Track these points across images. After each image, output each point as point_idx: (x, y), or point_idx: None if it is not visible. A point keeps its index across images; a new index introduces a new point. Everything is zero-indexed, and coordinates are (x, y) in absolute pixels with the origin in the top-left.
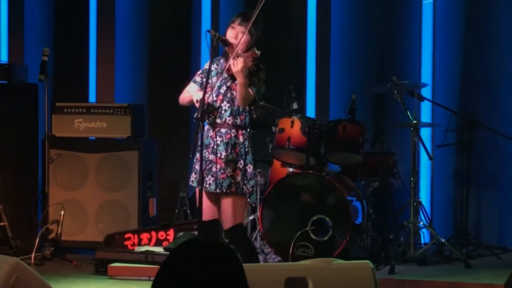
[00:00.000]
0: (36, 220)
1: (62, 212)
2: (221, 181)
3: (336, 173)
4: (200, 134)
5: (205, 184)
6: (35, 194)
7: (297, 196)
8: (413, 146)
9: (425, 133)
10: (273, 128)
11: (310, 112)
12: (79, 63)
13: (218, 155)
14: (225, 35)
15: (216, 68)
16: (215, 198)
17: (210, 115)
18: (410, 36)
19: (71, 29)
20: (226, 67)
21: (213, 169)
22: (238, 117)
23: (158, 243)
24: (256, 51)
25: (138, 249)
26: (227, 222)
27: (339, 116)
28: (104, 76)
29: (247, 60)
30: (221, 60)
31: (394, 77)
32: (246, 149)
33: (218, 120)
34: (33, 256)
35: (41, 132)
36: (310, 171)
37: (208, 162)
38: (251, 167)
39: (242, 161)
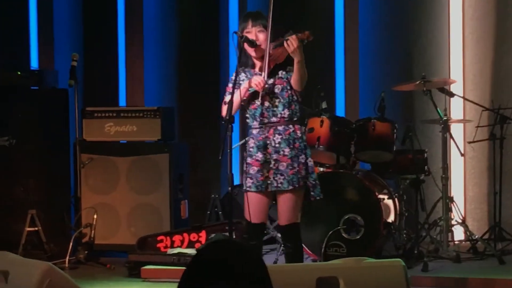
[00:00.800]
0: (69, 224)
1: (95, 216)
2: (291, 177)
3: (367, 172)
4: (228, 137)
5: (276, 184)
6: (67, 199)
7: (329, 195)
8: (443, 143)
9: (457, 130)
10: (303, 128)
11: (340, 111)
12: (109, 67)
13: (281, 152)
14: None
15: (245, 76)
16: (269, 198)
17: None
18: (438, 32)
19: (100, 33)
20: (265, 68)
21: (280, 167)
22: (290, 109)
23: (191, 245)
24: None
25: (170, 251)
26: (286, 218)
27: (369, 114)
28: (134, 79)
29: (300, 36)
30: (247, 70)
31: (423, 73)
32: (305, 143)
33: (273, 119)
34: (67, 260)
35: (72, 137)
36: (341, 170)
37: (273, 162)
38: (311, 160)
39: (303, 155)
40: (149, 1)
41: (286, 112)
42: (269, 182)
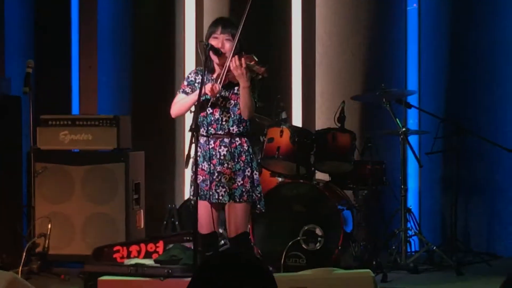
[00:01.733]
0: (21, 234)
1: (49, 226)
2: (233, 191)
3: (326, 182)
4: (194, 145)
5: (218, 196)
6: (20, 208)
7: (288, 206)
8: (402, 154)
9: (412, 141)
10: (262, 138)
11: (296, 121)
12: (61, 75)
13: (226, 165)
14: None
15: (205, 81)
16: (217, 208)
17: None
18: (395, 43)
19: (52, 41)
20: (222, 77)
21: (223, 180)
22: (240, 125)
23: (148, 255)
24: (253, 56)
25: (127, 261)
26: (234, 229)
27: (326, 124)
28: (87, 88)
29: (249, 58)
30: (210, 76)
31: (383, 84)
32: (251, 156)
33: (220, 131)
34: (20, 270)
35: (25, 145)
36: (301, 181)
37: (216, 174)
38: (257, 173)
39: (249, 169)
40: (104, 9)
41: (235, 129)
42: (211, 193)
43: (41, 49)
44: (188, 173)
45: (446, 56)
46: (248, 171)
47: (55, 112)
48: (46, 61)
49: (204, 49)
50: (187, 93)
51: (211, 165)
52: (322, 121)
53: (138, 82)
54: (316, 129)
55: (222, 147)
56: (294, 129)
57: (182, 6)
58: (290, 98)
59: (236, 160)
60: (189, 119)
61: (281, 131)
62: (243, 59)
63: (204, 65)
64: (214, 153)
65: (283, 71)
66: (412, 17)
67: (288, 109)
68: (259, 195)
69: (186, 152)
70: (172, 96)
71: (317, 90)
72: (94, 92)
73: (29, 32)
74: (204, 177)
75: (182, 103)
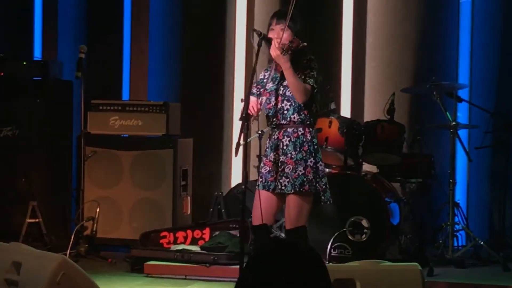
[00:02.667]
0: (70, 217)
1: (97, 210)
2: (294, 180)
3: (374, 174)
4: (243, 134)
5: (281, 186)
6: (69, 191)
7: (335, 197)
8: (451, 147)
9: (462, 135)
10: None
11: (345, 112)
12: (113, 61)
13: (289, 155)
14: None
15: (269, 74)
16: (280, 198)
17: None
18: (447, 36)
19: (105, 26)
20: (273, 66)
21: (286, 170)
22: (302, 113)
23: (194, 241)
24: (299, 41)
25: (174, 247)
26: (289, 222)
27: (374, 116)
28: (138, 74)
29: (284, 41)
30: (268, 68)
31: (434, 77)
32: (315, 147)
33: (283, 121)
34: (67, 253)
35: (76, 129)
36: (348, 172)
37: (280, 164)
38: (322, 164)
39: (312, 159)
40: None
41: (296, 116)
42: (275, 184)
43: (94, 35)
44: (235, 161)
45: (498, 50)
46: (311, 161)
47: (106, 97)
48: (98, 46)
49: (257, 37)
50: (253, 94)
51: (277, 155)
52: (371, 113)
53: (188, 69)
54: (365, 120)
55: (285, 137)
56: (342, 120)
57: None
58: (339, 89)
59: (298, 149)
60: (237, 107)
61: (330, 122)
62: (275, 41)
63: (256, 54)
64: (279, 143)
65: (332, 61)
66: (465, 10)
67: (337, 99)
68: (323, 186)
69: (236, 140)
70: (222, 83)
71: (366, 81)
72: (144, 78)
73: (82, 17)
74: (270, 168)
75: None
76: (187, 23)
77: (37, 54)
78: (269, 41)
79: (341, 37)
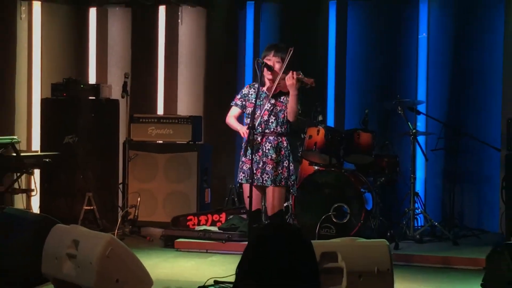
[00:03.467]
0: (117, 205)
1: (139, 199)
2: (274, 177)
3: (352, 171)
4: (250, 141)
5: (262, 181)
6: (117, 185)
7: (322, 188)
8: (413, 150)
9: (420, 140)
10: (302, 135)
11: (330, 122)
12: (150, 84)
13: (269, 157)
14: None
15: (254, 92)
16: (261, 190)
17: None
18: (409, 63)
19: (144, 57)
20: (273, 88)
21: (267, 168)
22: (282, 127)
23: (213, 223)
24: (300, 72)
25: (198, 228)
26: (272, 208)
27: (353, 126)
28: (169, 93)
29: (297, 74)
30: (256, 85)
31: (398, 95)
32: (289, 151)
33: (266, 130)
34: (115, 233)
35: (122, 137)
36: (332, 169)
37: (262, 163)
38: (293, 165)
39: (286, 161)
40: (184, 34)
41: (278, 129)
42: (256, 178)
43: (135, 64)
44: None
45: (449, 73)
46: (286, 163)
47: (145, 112)
48: (139, 73)
49: (260, 66)
50: (237, 105)
51: (257, 156)
52: (350, 123)
53: (208, 90)
54: (345, 129)
55: (267, 143)
56: (328, 129)
57: (244, 32)
58: (325, 105)
59: (277, 153)
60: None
61: (318, 130)
62: (295, 73)
63: (260, 78)
64: (260, 147)
65: (320, 84)
66: (422, 44)
67: (324, 113)
68: (293, 182)
69: (244, 145)
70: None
71: (346, 99)
72: (174, 98)
73: (126, 49)
74: (249, 165)
75: (231, 124)
76: (208, 55)
77: (92, 79)
78: (269, 68)
79: (327, 65)
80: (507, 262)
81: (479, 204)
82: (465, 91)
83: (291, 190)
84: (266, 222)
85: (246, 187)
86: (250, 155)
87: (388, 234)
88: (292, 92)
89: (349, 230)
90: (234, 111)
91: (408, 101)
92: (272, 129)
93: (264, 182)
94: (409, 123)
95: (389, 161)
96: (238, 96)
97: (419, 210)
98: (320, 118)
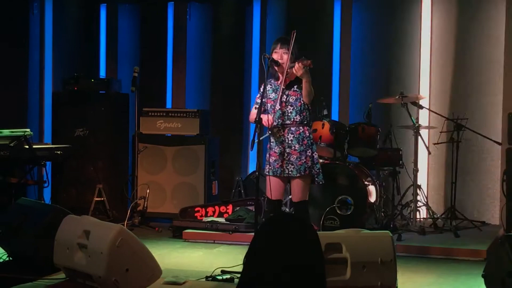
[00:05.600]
0: (127, 196)
1: (148, 191)
2: (299, 167)
3: (356, 164)
4: (257, 133)
5: (288, 171)
6: (126, 177)
7: (326, 181)
8: (415, 143)
9: (423, 133)
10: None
11: (334, 116)
12: (159, 78)
13: (293, 147)
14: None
15: (271, 87)
16: (286, 181)
17: (275, 131)
18: (412, 59)
19: (153, 52)
20: (283, 80)
21: (291, 159)
22: (301, 114)
23: (220, 215)
24: (303, 57)
25: (205, 219)
26: (297, 197)
27: (357, 120)
28: (178, 88)
29: (303, 61)
30: (273, 81)
31: (401, 90)
32: (311, 141)
33: (287, 121)
34: (125, 223)
35: (131, 130)
36: (337, 162)
37: (286, 155)
38: (316, 154)
39: (310, 150)
40: (192, 30)
41: (298, 117)
42: (282, 169)
43: (145, 59)
44: (251, 153)
45: (450, 70)
46: (309, 152)
47: (154, 105)
48: (148, 67)
49: (266, 61)
50: (257, 104)
51: (282, 148)
52: (354, 117)
53: (216, 84)
54: (350, 123)
55: (290, 134)
56: (332, 123)
57: (250, 28)
58: (330, 99)
59: (300, 143)
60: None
61: (323, 124)
62: (301, 63)
63: (267, 74)
64: (284, 139)
65: (325, 79)
66: (425, 39)
67: (329, 107)
68: (318, 171)
69: (251, 138)
70: (240, 95)
71: (350, 93)
72: (183, 91)
73: (136, 45)
74: (276, 158)
75: (252, 114)
76: (216, 50)
77: (102, 73)
78: (276, 63)
79: (332, 60)
80: (507, 253)
81: (480, 197)
82: (467, 86)
83: (316, 179)
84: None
85: (271, 180)
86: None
87: (391, 225)
88: (305, 79)
89: (353, 221)
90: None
91: (411, 96)
92: (292, 119)
93: (290, 173)
94: (412, 117)
95: (393, 154)
96: (258, 95)
97: (422, 202)
98: (325, 112)
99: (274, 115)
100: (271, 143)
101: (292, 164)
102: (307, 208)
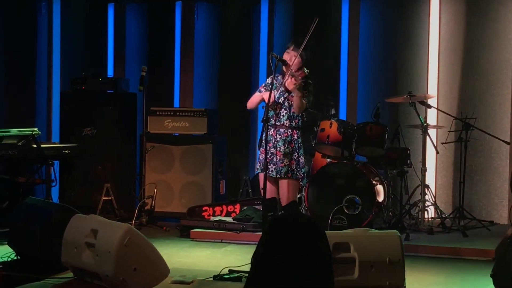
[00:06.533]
0: (135, 195)
1: (155, 190)
2: (280, 168)
3: (364, 163)
4: (265, 133)
5: (268, 171)
6: (134, 176)
7: (334, 180)
8: (423, 143)
9: (431, 133)
10: (315, 128)
11: (342, 115)
12: (167, 78)
13: (278, 149)
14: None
15: (275, 83)
16: (275, 181)
17: (275, 107)
18: (420, 58)
19: (161, 52)
20: (284, 83)
21: (274, 159)
22: (293, 120)
23: (228, 214)
24: (305, 70)
25: (213, 218)
26: (284, 199)
27: (365, 119)
28: (185, 86)
29: (298, 78)
30: (279, 77)
31: (410, 90)
32: (299, 145)
33: (277, 123)
34: (133, 223)
35: (139, 129)
36: (344, 161)
37: (270, 154)
38: (303, 158)
39: (296, 154)
40: (199, 29)
41: (288, 122)
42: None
43: (152, 58)
44: (259, 153)
45: (459, 69)
46: (295, 156)
47: (161, 105)
48: (155, 65)
49: (274, 60)
50: (260, 92)
51: (268, 147)
52: (362, 116)
53: (223, 84)
54: (357, 122)
55: (278, 135)
56: (340, 122)
57: (258, 27)
58: (338, 99)
59: (286, 145)
60: (260, 112)
61: (331, 123)
62: (294, 79)
63: (274, 71)
64: (271, 138)
65: (334, 79)
66: (433, 39)
67: (337, 106)
68: (302, 175)
69: (258, 137)
70: (248, 95)
71: (358, 93)
72: (190, 91)
73: (143, 45)
74: (263, 155)
75: (253, 97)
76: (223, 50)
77: (110, 72)
78: (283, 62)
79: (340, 59)
80: None
81: (488, 196)
82: (475, 85)
83: (301, 183)
84: (280, 212)
85: (261, 177)
86: (264, 146)
87: (399, 225)
88: (297, 95)
89: (361, 221)
90: (254, 97)
91: (420, 95)
92: (282, 122)
93: (270, 172)
94: (420, 116)
95: (401, 154)
96: (263, 85)
97: (430, 202)
98: (333, 111)
99: (266, 116)
100: (262, 141)
101: (274, 165)
102: (297, 208)
